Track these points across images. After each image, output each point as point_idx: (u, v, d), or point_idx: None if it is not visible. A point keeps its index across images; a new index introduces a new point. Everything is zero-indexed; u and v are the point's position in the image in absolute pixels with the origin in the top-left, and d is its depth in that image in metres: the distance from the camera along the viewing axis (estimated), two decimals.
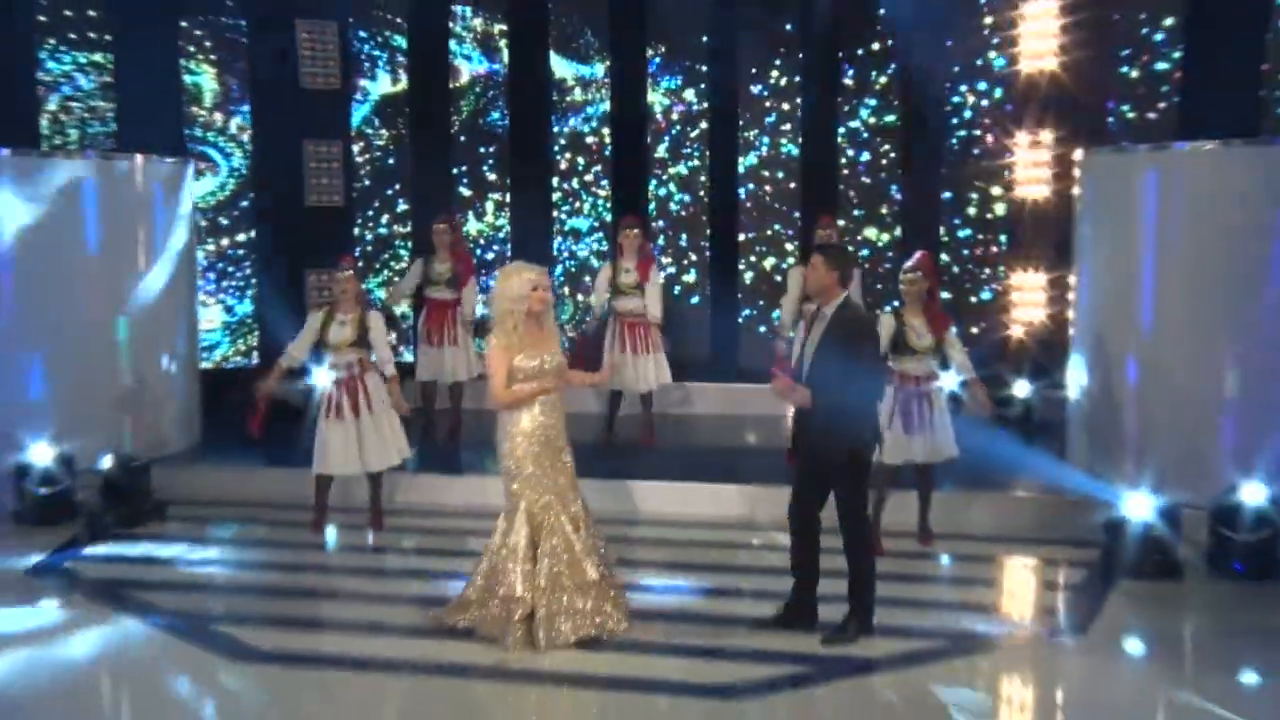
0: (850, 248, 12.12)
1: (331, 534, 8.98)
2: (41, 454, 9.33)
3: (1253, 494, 8.02)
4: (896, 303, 8.64)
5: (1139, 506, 8.08)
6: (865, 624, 6.80)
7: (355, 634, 7.16)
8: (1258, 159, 9.13)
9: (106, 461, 9.30)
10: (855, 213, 12.78)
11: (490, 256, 13.22)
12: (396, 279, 12.52)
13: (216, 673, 6.71)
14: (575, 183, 13.34)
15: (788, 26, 12.75)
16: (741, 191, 13.10)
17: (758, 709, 6.10)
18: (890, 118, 12.68)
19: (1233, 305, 8.91)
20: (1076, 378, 9.99)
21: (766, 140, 13.02)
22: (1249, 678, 6.59)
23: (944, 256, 12.54)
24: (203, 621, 7.33)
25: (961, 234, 12.61)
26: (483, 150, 13.34)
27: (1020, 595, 8.17)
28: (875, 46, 12.62)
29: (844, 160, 12.90)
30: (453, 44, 13.23)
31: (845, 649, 6.65)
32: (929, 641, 6.87)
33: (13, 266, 9.96)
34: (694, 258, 13.17)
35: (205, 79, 12.65)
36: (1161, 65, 11.59)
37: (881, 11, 12.46)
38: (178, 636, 7.16)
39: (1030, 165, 11.88)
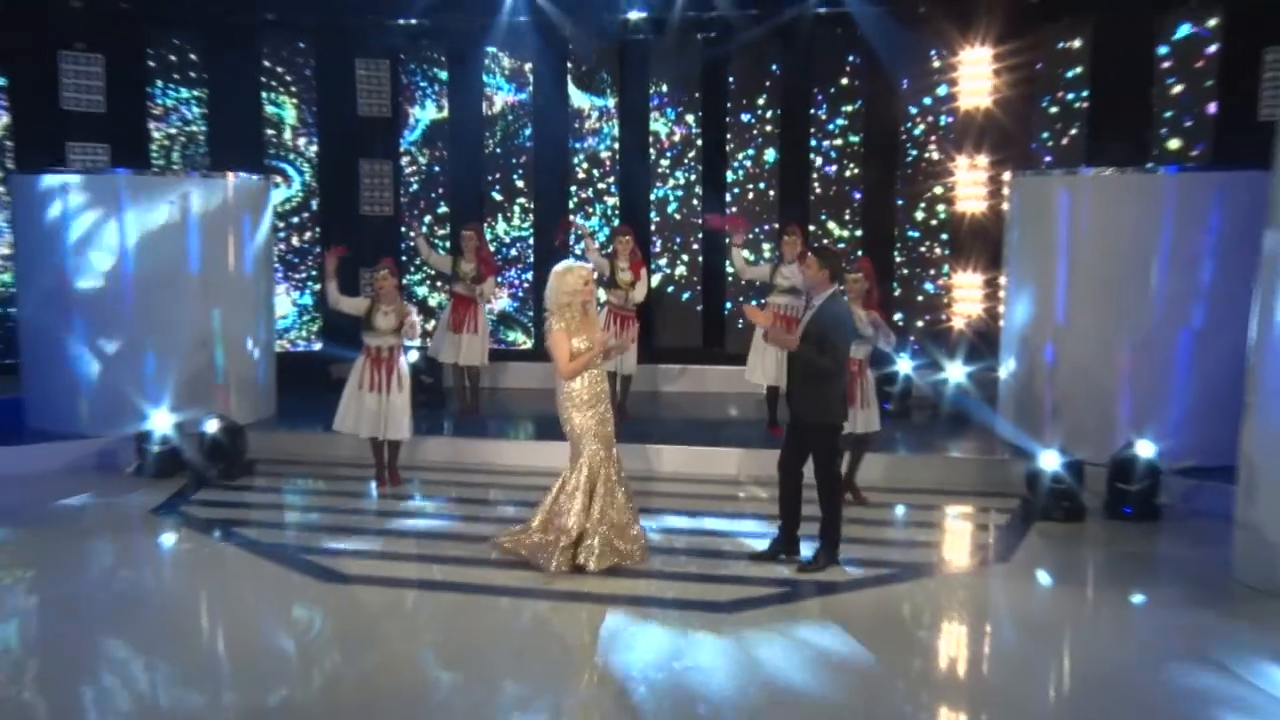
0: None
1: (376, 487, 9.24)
2: (161, 421, 9.64)
3: (1142, 453, 8.40)
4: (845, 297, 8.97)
5: (1052, 462, 8.45)
6: (833, 556, 7.22)
7: (414, 562, 7.61)
8: (1145, 183, 9.52)
9: (210, 426, 9.51)
10: (822, 215, 12.87)
11: (514, 253, 13.34)
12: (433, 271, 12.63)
13: (308, 591, 7.09)
14: (590, 191, 13.35)
15: (772, 67, 12.82)
16: (729, 197, 13.12)
17: (747, 620, 6.46)
18: (854, 139, 12.75)
19: (1128, 301, 9.26)
20: (1007, 361, 10.21)
21: (750, 156, 13.01)
22: (1134, 596, 7.08)
23: (897, 256, 12.63)
24: (292, 551, 7.71)
25: (912, 235, 12.68)
26: (513, 162, 13.34)
27: (957, 534, 8.52)
28: (844, 82, 12.66)
29: (814, 173, 12.90)
30: (487, 77, 13.26)
31: (817, 575, 7.07)
32: (884, 569, 7.32)
33: (134, 267, 10.20)
34: (685, 257, 13.19)
35: (285, 109, 12.95)
36: (1073, 100, 11.73)
37: (850, 57, 12.55)
38: (274, 562, 7.52)
39: (969, 184, 11.99)
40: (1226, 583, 7.12)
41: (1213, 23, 11.07)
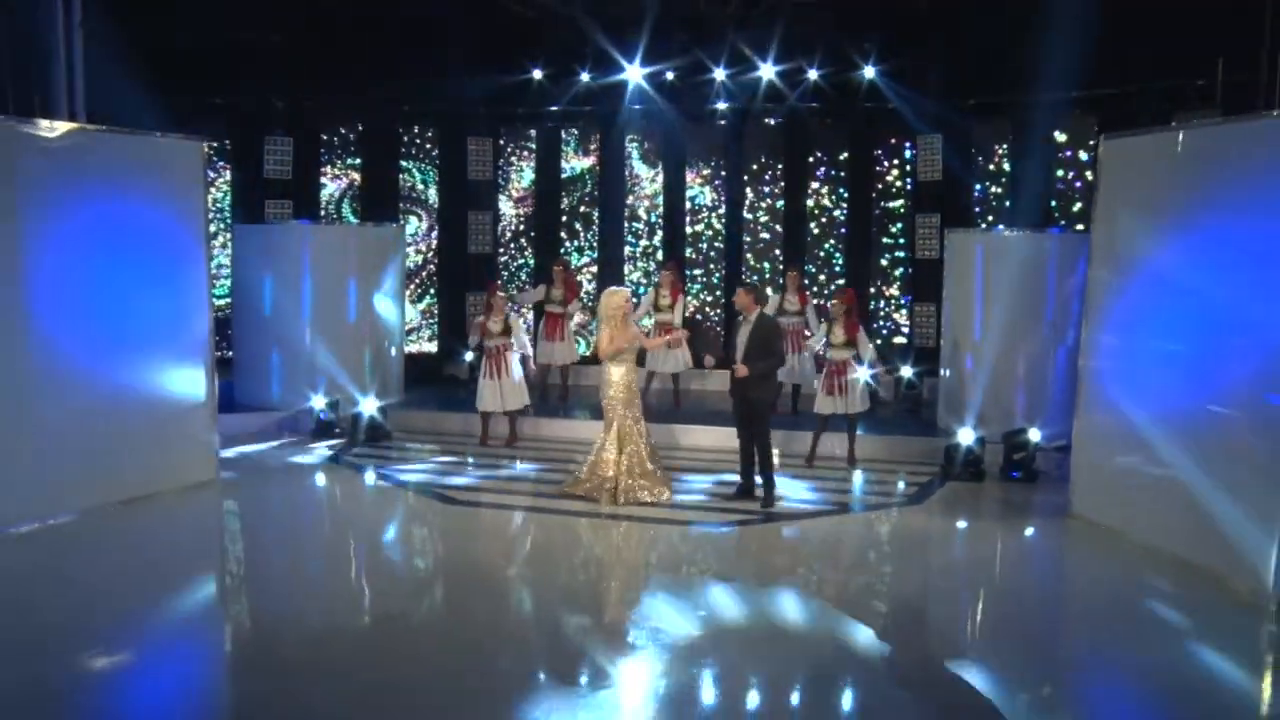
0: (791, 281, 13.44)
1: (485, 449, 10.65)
2: (320, 401, 11.26)
3: (1030, 435, 9.77)
4: (828, 319, 10.18)
5: (965, 438, 9.79)
6: (771, 495, 8.69)
7: (507, 495, 9.00)
8: (1036, 240, 10.73)
9: (365, 405, 11.04)
10: (818, 251, 14.08)
11: (582, 278, 14.39)
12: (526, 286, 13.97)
13: (432, 509, 8.66)
14: (642, 226, 14.52)
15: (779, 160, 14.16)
16: (747, 237, 14.30)
17: (731, 534, 8.09)
18: (842, 191, 13.97)
19: (1023, 324, 10.45)
20: (943, 367, 11.36)
21: (764, 211, 14.19)
22: (1013, 527, 8.58)
23: (872, 289, 13.84)
24: (422, 485, 9.27)
25: (882, 276, 13.87)
26: (585, 210, 14.56)
27: (892, 487, 9.60)
28: (842, 157, 13.90)
29: (812, 225, 14.09)
30: (565, 148, 14.55)
31: (778, 508, 8.56)
32: (834, 506, 8.86)
33: (312, 289, 11.68)
34: (708, 287, 14.38)
35: (415, 173, 14.53)
36: (997, 174, 12.96)
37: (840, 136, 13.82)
38: (408, 491, 9.15)
39: (924, 236, 13.08)
40: (1065, 516, 8.64)
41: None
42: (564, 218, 14.78)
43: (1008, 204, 12.99)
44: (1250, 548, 6.78)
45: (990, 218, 13.23)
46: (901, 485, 9.75)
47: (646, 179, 14.68)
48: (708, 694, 5.38)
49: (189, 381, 9.13)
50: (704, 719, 5.15)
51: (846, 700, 5.43)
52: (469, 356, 12.09)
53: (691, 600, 6.67)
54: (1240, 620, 6.54)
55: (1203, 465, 7.21)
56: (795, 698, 5.42)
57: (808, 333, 11.91)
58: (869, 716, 5.31)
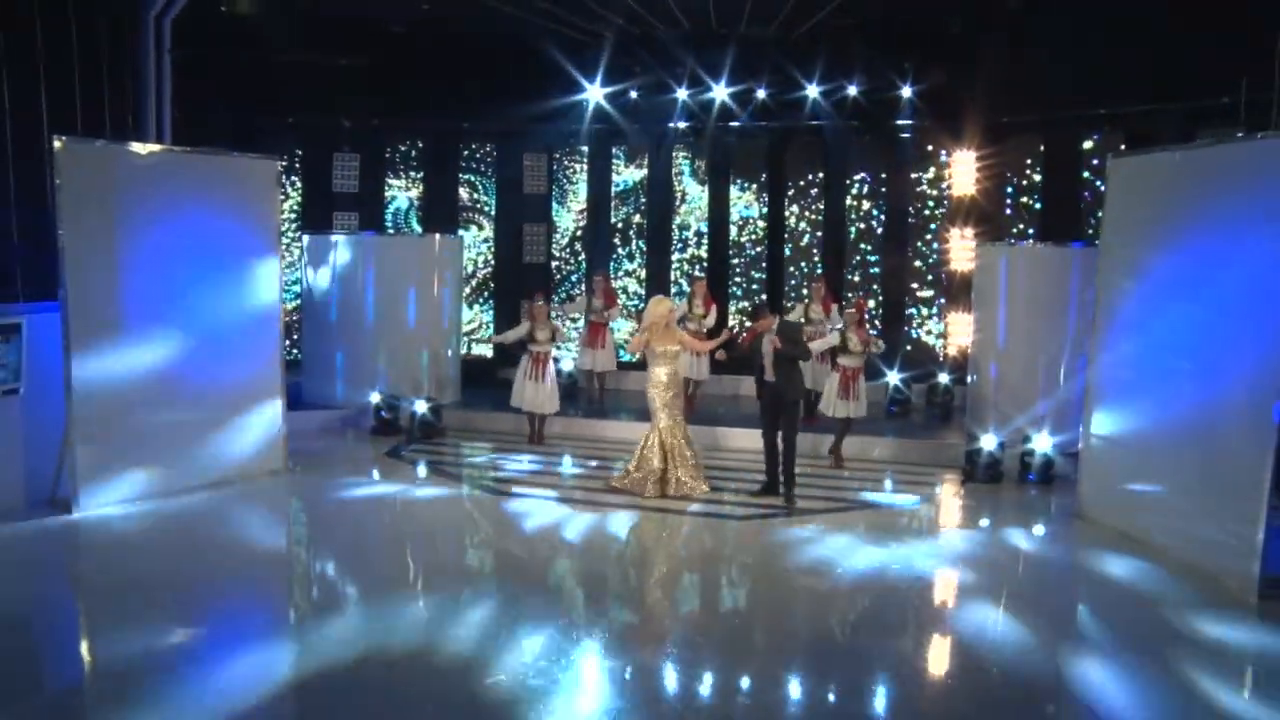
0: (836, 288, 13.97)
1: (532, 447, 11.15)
2: (378, 399, 11.91)
3: (1042, 441, 10.12)
4: (842, 325, 10.63)
5: (987, 443, 10.17)
6: (793, 494, 9.11)
7: (550, 488, 9.53)
8: (1058, 254, 10.99)
9: (420, 405, 11.60)
10: (854, 258, 14.40)
11: (629, 283, 15.02)
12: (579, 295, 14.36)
13: (481, 501, 9.24)
14: (688, 234, 14.93)
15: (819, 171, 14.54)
16: (789, 247, 14.65)
17: (759, 524, 8.50)
18: (881, 204, 14.29)
19: (1045, 337, 10.76)
20: (970, 374, 11.80)
21: (806, 225, 14.55)
22: (1022, 520, 8.90)
23: (906, 299, 14.14)
24: (473, 479, 9.88)
25: (918, 286, 14.13)
26: (636, 222, 15.01)
27: (920, 487, 9.97)
28: (883, 176, 14.26)
29: (850, 235, 14.41)
30: (615, 163, 15.02)
31: (799, 504, 8.96)
32: (867, 501, 9.31)
33: (375, 296, 12.41)
34: (748, 294, 14.70)
35: (475, 188, 15.12)
36: (1029, 188, 13.24)
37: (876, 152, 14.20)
38: (459, 485, 9.74)
39: (959, 250, 13.34)
40: (1071, 515, 9.01)
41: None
42: (619, 226, 15.24)
43: (1038, 211, 13.23)
44: (1238, 547, 7.08)
45: (1020, 226, 13.52)
46: (926, 484, 10.16)
47: (693, 192, 15.08)
48: (738, 676, 5.80)
49: (262, 379, 9.84)
50: (740, 700, 5.55)
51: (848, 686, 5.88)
52: (506, 336, 11.82)
53: (722, 587, 7.16)
54: (1224, 615, 6.81)
55: (1197, 468, 7.53)
56: (824, 680, 5.82)
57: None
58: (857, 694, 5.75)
